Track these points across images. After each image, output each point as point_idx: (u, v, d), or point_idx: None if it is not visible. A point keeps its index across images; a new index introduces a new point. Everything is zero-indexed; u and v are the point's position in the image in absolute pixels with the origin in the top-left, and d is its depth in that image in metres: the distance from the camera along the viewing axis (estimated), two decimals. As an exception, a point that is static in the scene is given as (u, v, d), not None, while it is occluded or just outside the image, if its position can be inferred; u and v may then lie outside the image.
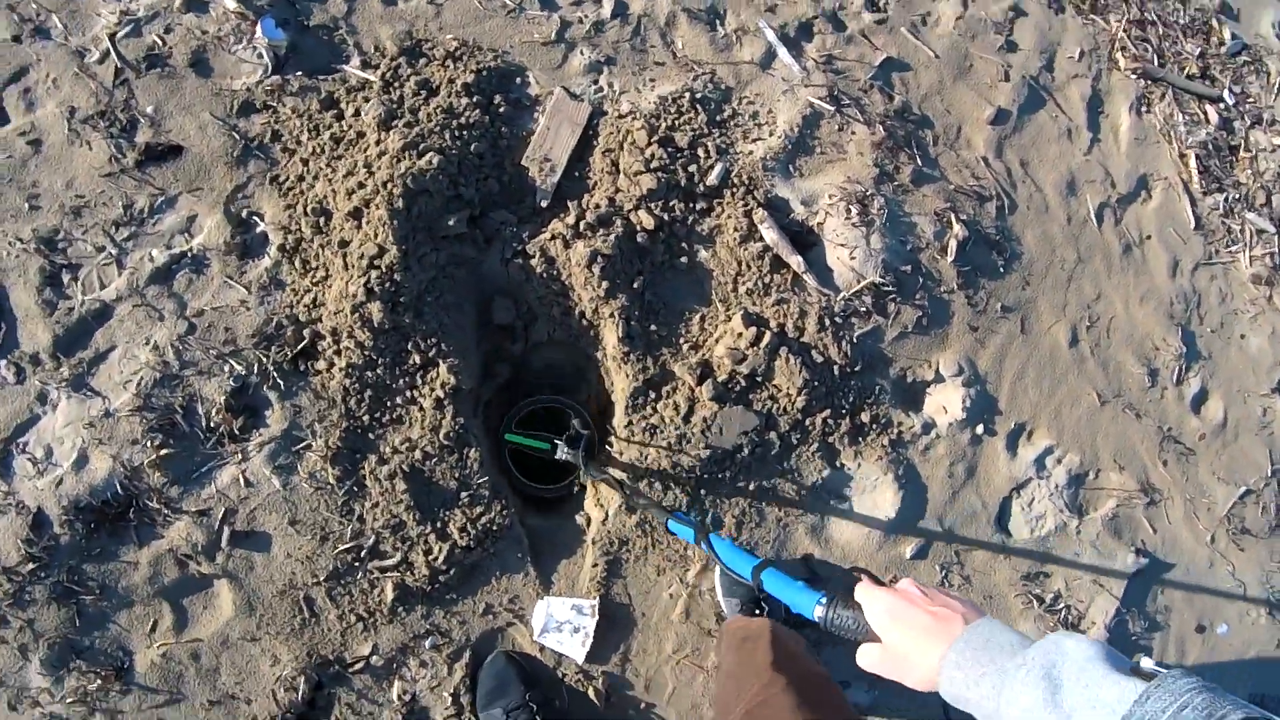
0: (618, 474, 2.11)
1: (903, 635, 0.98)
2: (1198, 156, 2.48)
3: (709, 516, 2.14)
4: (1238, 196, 2.51)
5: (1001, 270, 2.34)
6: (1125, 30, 2.49)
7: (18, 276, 1.96)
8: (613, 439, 2.21)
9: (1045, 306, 2.36)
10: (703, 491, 2.13)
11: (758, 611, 2.07)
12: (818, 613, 1.16)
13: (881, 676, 1.02)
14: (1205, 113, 2.51)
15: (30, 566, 1.88)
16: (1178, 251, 2.48)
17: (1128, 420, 2.36)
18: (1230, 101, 2.51)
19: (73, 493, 1.91)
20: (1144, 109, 2.53)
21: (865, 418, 2.22)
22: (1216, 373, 2.44)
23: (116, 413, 1.95)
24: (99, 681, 1.88)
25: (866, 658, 1.03)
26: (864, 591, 1.06)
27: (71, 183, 2.03)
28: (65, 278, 1.99)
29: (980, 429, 2.28)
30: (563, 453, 2.06)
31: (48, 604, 1.88)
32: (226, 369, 2.01)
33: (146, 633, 1.92)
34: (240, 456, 2.00)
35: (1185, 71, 2.52)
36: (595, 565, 2.14)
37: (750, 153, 2.26)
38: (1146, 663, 0.79)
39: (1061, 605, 2.26)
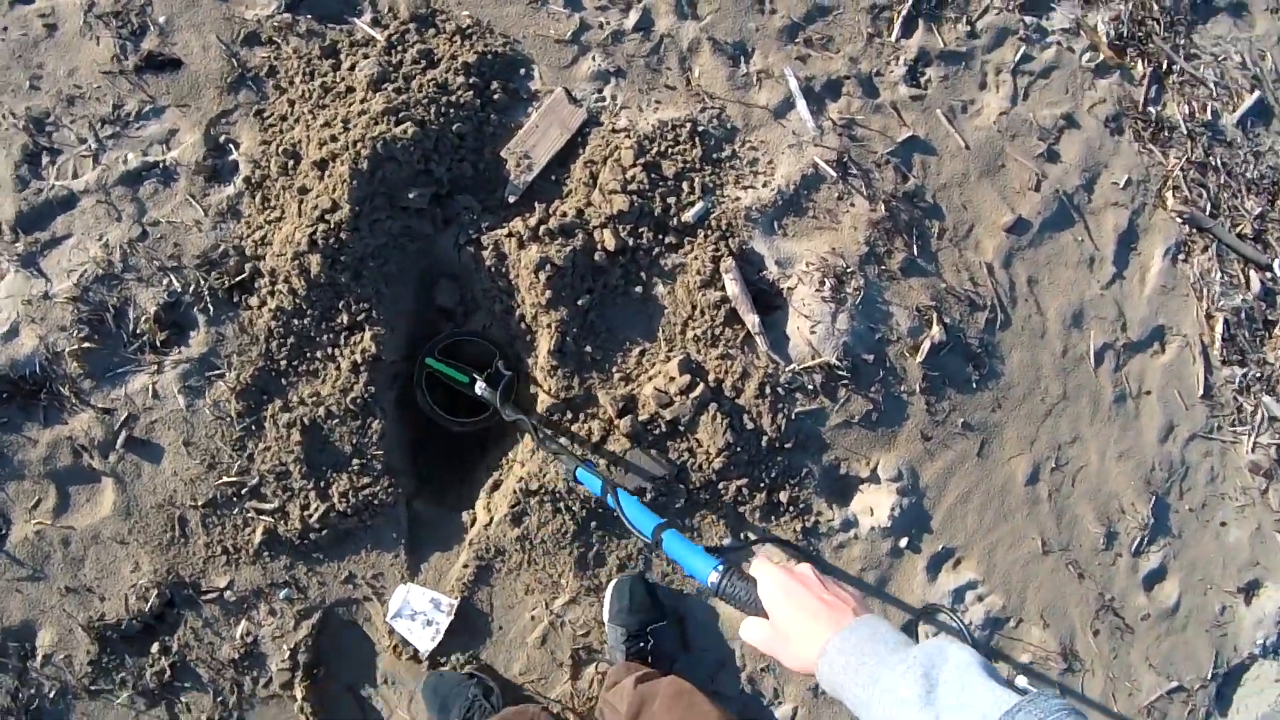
0: (531, 420, 2.36)
1: (791, 615, 1.09)
2: (1227, 322, 2.57)
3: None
4: (1259, 375, 2.59)
5: (974, 386, 2.49)
6: (1183, 169, 2.60)
7: (2, 148, 2.36)
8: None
9: (1012, 435, 2.49)
10: (592, 524, 2.35)
11: (643, 645, 2.27)
12: (712, 578, 1.31)
13: (761, 652, 1.20)
14: (1248, 277, 2.59)
15: (-63, 418, 2.27)
16: (1176, 416, 2.59)
17: (1068, 577, 2.47)
18: (1279, 273, 2.55)
19: None
20: (1181, 257, 2.65)
21: (784, 497, 2.42)
22: (1182, 554, 2.54)
23: (55, 297, 2.35)
24: (-29, 540, 2.26)
25: (751, 632, 1.16)
26: (761, 566, 1.19)
27: (73, 72, 2.47)
28: (44, 160, 2.43)
29: (904, 542, 2.45)
30: (481, 388, 2.39)
31: (-56, 456, 2.27)
32: (165, 282, 2.39)
33: (28, 508, 2.31)
34: (156, 368, 2.37)
35: (1238, 229, 2.59)
36: (466, 566, 2.45)
37: (737, 199, 2.48)
38: (1022, 681, 0.97)
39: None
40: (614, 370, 2.49)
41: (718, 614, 2.45)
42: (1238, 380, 2.68)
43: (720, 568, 1.31)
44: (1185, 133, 2.77)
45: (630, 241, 2.50)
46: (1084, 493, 2.59)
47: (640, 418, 2.42)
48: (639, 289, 2.51)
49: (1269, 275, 2.71)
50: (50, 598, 2.34)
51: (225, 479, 2.37)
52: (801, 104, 2.64)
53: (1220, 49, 2.93)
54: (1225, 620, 2.63)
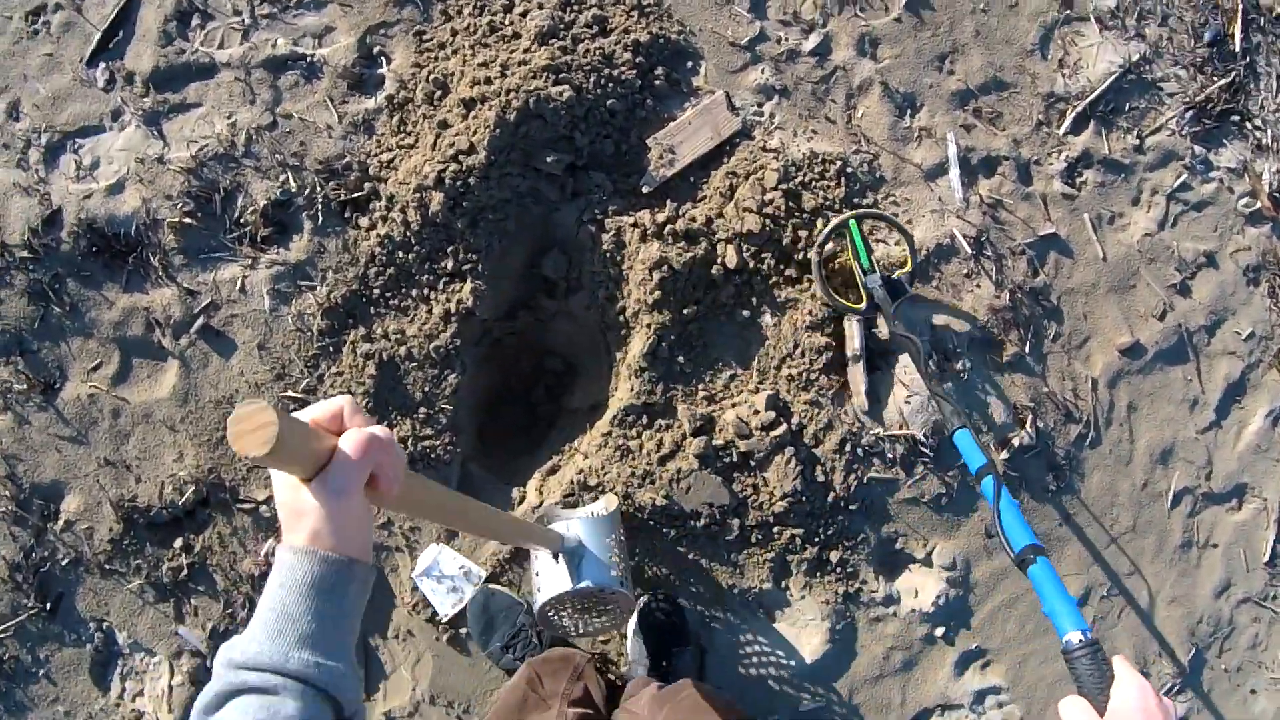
0: (918, 340, 2.28)
1: None
2: None
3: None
4: None
5: (1048, 495, 2.47)
6: (1309, 337, 2.58)
7: None
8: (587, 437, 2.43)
9: (1071, 554, 2.48)
10: (640, 535, 2.33)
11: (664, 664, 2.25)
12: (1071, 638, 1.30)
13: None
14: (1341, 459, 2.57)
15: (24, 254, 2.21)
16: (1235, 575, 2.57)
17: (1089, 710, 2.45)
18: (1371, 464, 2.57)
19: (95, 210, 2.26)
20: None
21: (834, 557, 2.38)
22: (1203, 711, 2.53)
23: (169, 163, 2.28)
24: (26, 386, 2.21)
25: (1075, 713, 1.15)
26: (1129, 671, 1.19)
27: None
28: (194, 21, 2.35)
29: (940, 631, 2.42)
30: (877, 285, 2.32)
31: (21, 295, 2.21)
32: (281, 179, 2.33)
33: (88, 369, 2.26)
34: (250, 263, 2.31)
35: (1347, 409, 2.59)
36: (504, 545, 2.36)
37: (857, 205, 2.43)
38: None
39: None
40: (699, 387, 2.42)
41: (736, 650, 2.40)
42: None
43: (1087, 635, 1.30)
44: None
45: (751, 263, 2.43)
46: (1126, 628, 2.54)
47: (715, 441, 2.35)
48: (746, 313, 2.44)
49: None
50: (87, 465, 2.27)
51: (290, 392, 2.31)
52: (955, 172, 2.56)
53: None
54: None
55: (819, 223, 2.46)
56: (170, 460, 2.30)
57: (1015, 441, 2.46)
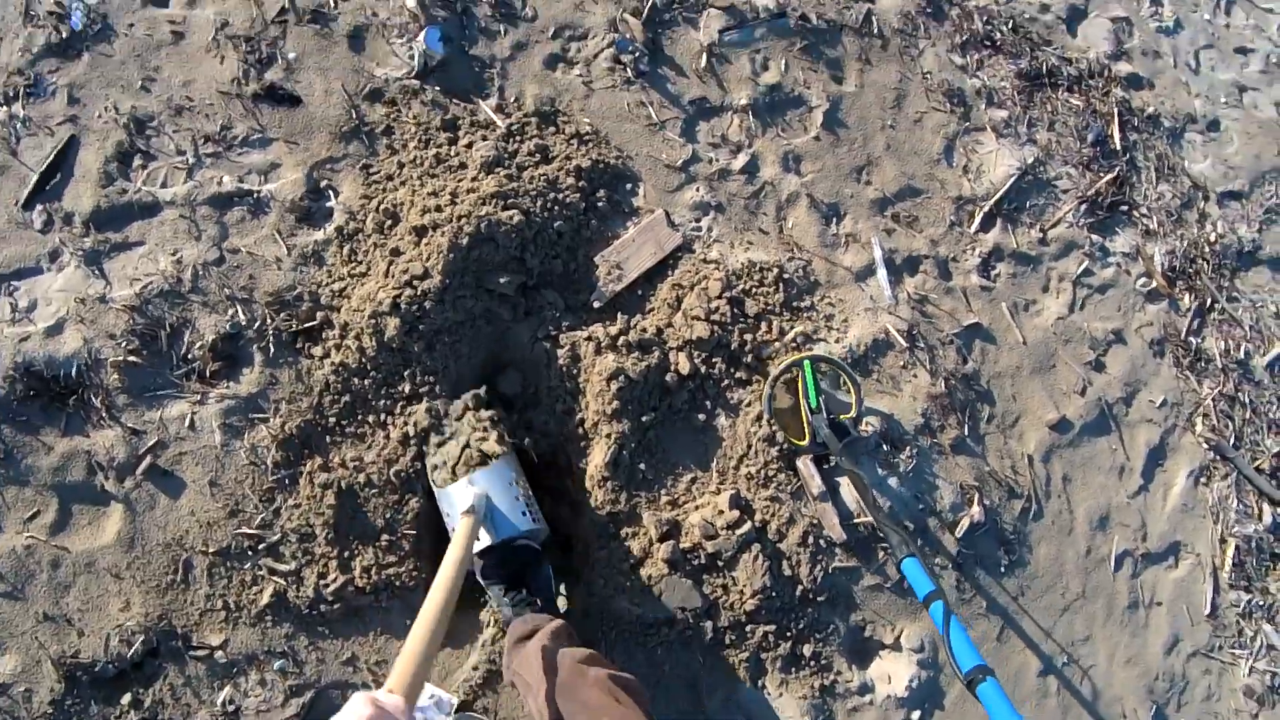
0: (863, 475, 2.36)
1: None
2: (1238, 548, 2.76)
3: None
4: (1261, 604, 2.76)
5: (1002, 570, 2.59)
6: (1214, 400, 2.85)
7: (97, 140, 2.30)
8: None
9: (1030, 625, 2.59)
10: (616, 645, 2.34)
11: (522, 592, 2.22)
12: None
13: None
14: (1261, 510, 2.81)
15: (-46, 401, 2.14)
16: (1181, 631, 2.70)
17: (1066, 781, 2.55)
18: (1290, 511, 2.83)
19: (32, 354, 2.17)
20: (1202, 480, 2.83)
21: (807, 650, 2.42)
22: None
23: (111, 302, 2.23)
24: (-46, 540, 2.09)
25: None
26: None
27: (189, 84, 2.39)
28: (136, 162, 2.33)
29: (916, 715, 2.46)
30: (822, 428, 2.38)
31: (-50, 441, 2.12)
32: (230, 312, 2.30)
33: (24, 518, 2.13)
34: (199, 398, 2.26)
35: (1257, 464, 2.85)
36: (476, 668, 2.29)
37: (811, 348, 2.59)
38: None
39: None
40: (663, 493, 2.43)
41: None
42: (1242, 605, 2.75)
43: None
44: (1219, 367, 2.93)
45: (703, 368, 2.49)
46: (1090, 692, 2.59)
47: (682, 545, 2.34)
48: (702, 416, 2.48)
49: None
50: (24, 621, 2.08)
51: (245, 529, 2.20)
52: (882, 273, 2.70)
53: (1259, 297, 3.13)
54: None
55: (764, 326, 2.64)
56: (116, 610, 2.17)
57: (965, 521, 2.60)
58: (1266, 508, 2.81)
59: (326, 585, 2.24)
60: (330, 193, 2.45)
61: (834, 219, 2.78)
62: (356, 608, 2.27)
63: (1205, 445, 2.87)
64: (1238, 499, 2.84)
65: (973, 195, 2.88)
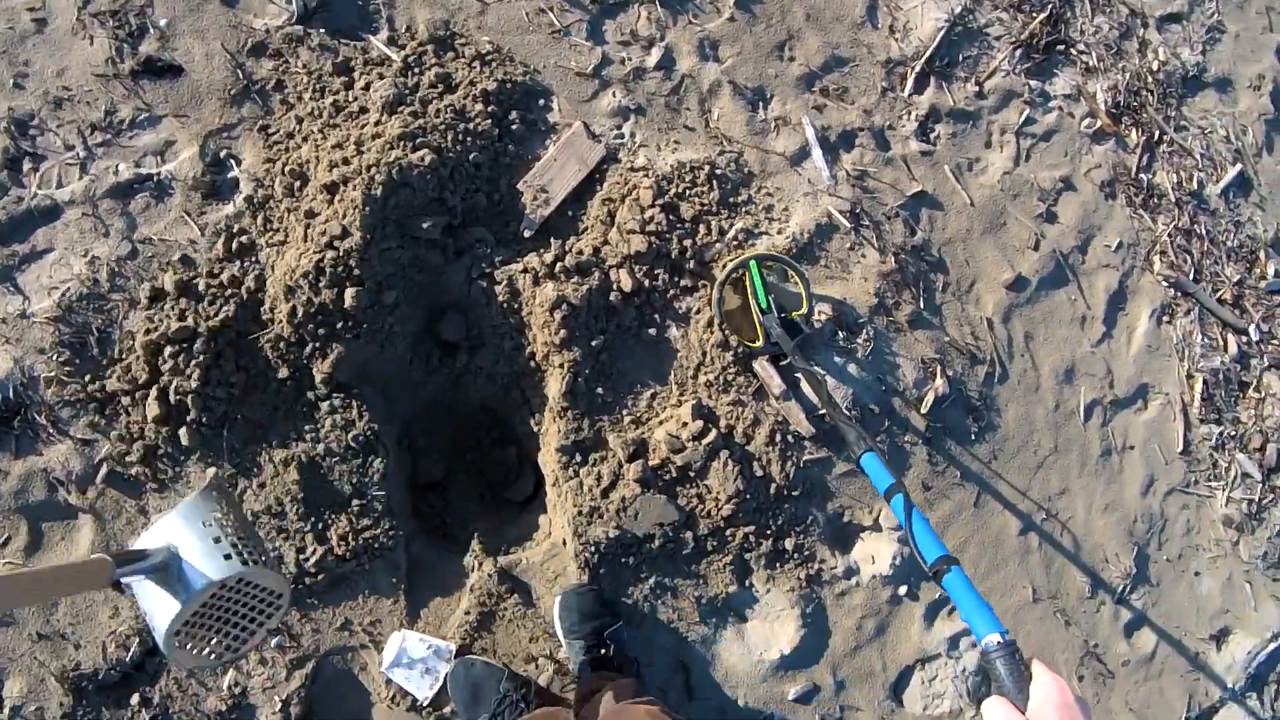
0: (820, 371, 2.37)
1: None
2: (1205, 382, 2.82)
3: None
4: (1233, 434, 2.84)
5: (973, 437, 2.66)
6: (1170, 236, 2.84)
7: None
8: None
9: (1006, 487, 2.68)
10: (600, 570, 2.44)
11: (603, 652, 2.27)
12: (990, 640, 1.32)
13: None
14: (1226, 341, 2.86)
15: (-103, 446, 2.17)
16: (1156, 471, 2.79)
17: (1055, 625, 2.67)
18: (1254, 337, 2.86)
19: None
20: (1165, 319, 2.86)
21: (789, 544, 2.51)
22: (1159, 603, 2.75)
23: (33, 316, 2.21)
24: (-71, 582, 2.16)
25: (997, 713, 1.19)
26: (1046, 673, 1.22)
27: (63, 73, 2.30)
28: (26, 166, 2.26)
29: (903, 590, 2.57)
30: (774, 328, 2.39)
31: (-100, 489, 2.16)
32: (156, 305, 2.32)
33: None
34: (139, 397, 2.31)
35: (1218, 295, 2.88)
36: (468, 612, 2.38)
37: (753, 245, 2.59)
38: None
39: (932, 795, 2.57)
40: (624, 413, 2.45)
41: (719, 664, 2.44)
42: (1214, 438, 2.83)
43: (1005, 637, 1.31)
44: (1173, 200, 2.91)
45: (646, 283, 2.48)
46: (1071, 543, 2.69)
47: (651, 462, 2.39)
48: (652, 331, 2.49)
49: (1245, 339, 2.85)
50: (19, 645, 2.15)
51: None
52: (817, 153, 2.65)
53: (1207, 122, 3.10)
54: (1198, 666, 2.76)
55: (701, 229, 2.63)
56: (106, 618, 2.24)
57: (930, 396, 2.64)
58: (1231, 338, 2.86)
59: (307, 559, 2.31)
60: (231, 162, 2.40)
61: (760, 103, 2.72)
62: (341, 575, 2.33)
63: (1165, 283, 2.89)
64: (1202, 333, 2.89)
65: (902, 56, 2.80)
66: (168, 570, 1.40)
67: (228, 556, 1.42)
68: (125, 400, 2.26)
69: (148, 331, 2.26)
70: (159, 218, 2.33)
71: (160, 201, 2.34)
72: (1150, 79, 2.96)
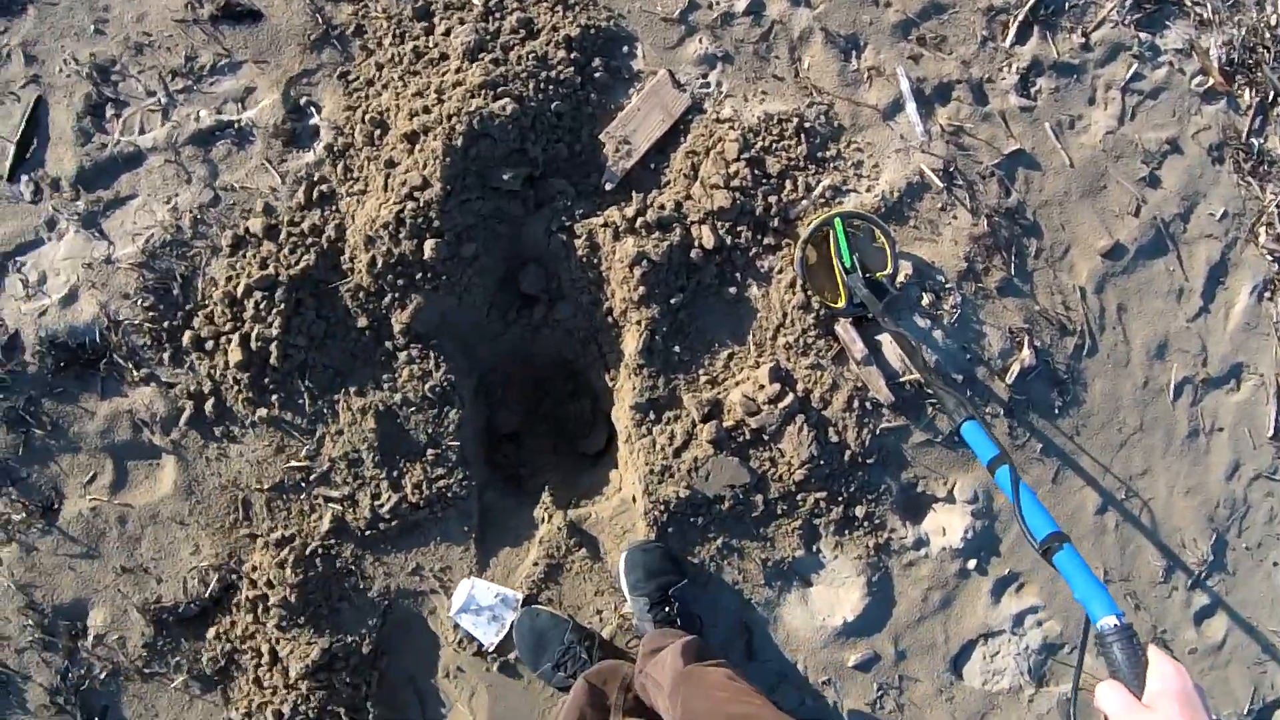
0: (911, 337, 2.35)
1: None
2: None
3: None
4: None
5: (1056, 412, 2.64)
6: (1277, 206, 2.76)
7: (63, 96, 2.26)
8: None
9: (1087, 464, 2.66)
10: (669, 529, 2.50)
11: (667, 610, 2.33)
12: (1106, 623, 1.30)
13: (1104, 712, 1.18)
14: (1328, 320, 2.79)
15: (-9, 385, 2.27)
16: (1243, 455, 2.73)
17: (1125, 608, 2.68)
18: (1355, 319, 2.79)
19: (53, 326, 2.26)
20: (1266, 295, 2.76)
21: (860, 512, 2.54)
22: (1233, 591, 2.73)
23: (118, 262, 2.28)
24: (24, 514, 2.26)
25: (1111, 699, 1.17)
26: (1164, 657, 1.20)
27: (143, 18, 2.30)
28: (109, 112, 2.29)
29: (972, 564, 2.60)
30: (859, 288, 2.38)
31: (-1, 425, 2.28)
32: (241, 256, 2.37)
33: (83, 483, 2.29)
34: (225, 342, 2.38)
35: (1325, 270, 2.80)
36: (536, 564, 2.44)
37: (840, 202, 2.56)
38: None
39: (987, 766, 2.64)
40: (700, 373, 2.46)
41: (781, 628, 2.48)
42: None
43: (1122, 620, 1.29)
44: None
45: (729, 239, 2.45)
46: (1149, 525, 2.66)
47: (725, 424, 2.40)
48: (732, 290, 2.47)
49: None
50: (104, 577, 2.27)
51: (294, 463, 2.32)
52: (911, 106, 2.57)
53: None
54: (1267, 657, 2.75)
55: (788, 185, 2.60)
56: (187, 554, 2.31)
57: (1015, 366, 2.62)
58: (1333, 317, 2.79)
59: (381, 505, 2.39)
60: (312, 109, 2.41)
61: (853, 52, 2.64)
62: (414, 522, 2.41)
63: (1269, 256, 2.80)
64: (1305, 312, 2.82)
65: (1005, 3, 2.68)
66: None
67: None
68: (208, 345, 2.33)
69: (230, 279, 2.32)
70: (240, 165, 2.36)
71: (241, 149, 2.37)
72: (1267, 34, 2.81)
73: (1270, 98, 2.81)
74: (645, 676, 2.16)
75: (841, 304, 2.45)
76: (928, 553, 2.57)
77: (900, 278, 2.50)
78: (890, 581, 2.55)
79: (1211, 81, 2.77)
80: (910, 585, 2.56)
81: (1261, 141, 2.80)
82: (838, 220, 2.42)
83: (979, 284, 2.58)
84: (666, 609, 2.35)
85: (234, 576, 2.34)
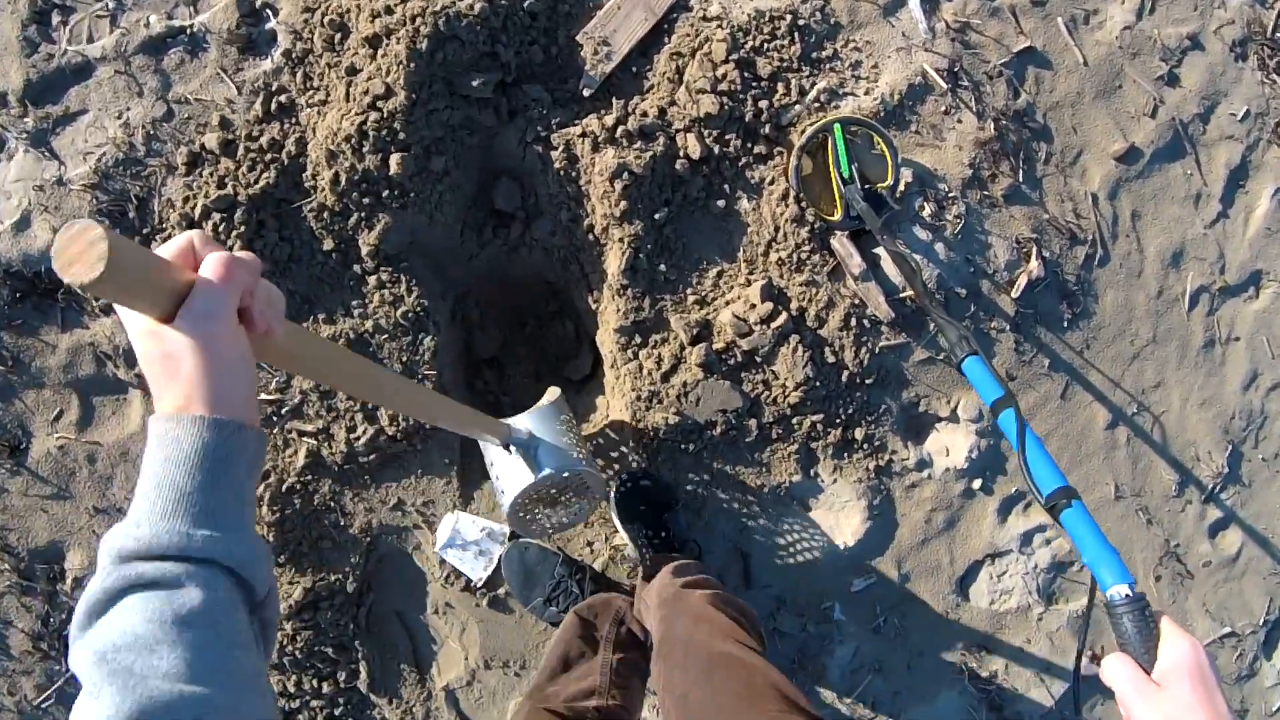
0: (915, 256, 2.36)
1: (1186, 700, 1.10)
2: None
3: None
4: None
5: (1065, 325, 2.61)
6: (1306, 102, 2.69)
7: (7, 3, 2.21)
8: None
9: (1097, 379, 2.65)
10: (659, 457, 2.50)
11: (664, 535, 2.34)
12: (1117, 591, 1.26)
13: (1114, 688, 1.16)
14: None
15: (-58, 317, 2.24)
16: (1261, 365, 2.69)
17: (1137, 523, 2.70)
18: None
19: (6, 254, 2.21)
20: None
21: (859, 434, 2.52)
22: (1249, 503, 2.71)
23: (70, 183, 2.21)
24: (-10, 454, 2.27)
25: (1119, 671, 1.15)
26: (1178, 630, 1.17)
27: None
28: (55, 19, 2.20)
29: (978, 484, 2.59)
30: (857, 200, 2.34)
31: (-48, 362, 2.24)
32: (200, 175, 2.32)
33: (49, 420, 2.27)
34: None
35: (1352, 170, 2.74)
36: None
37: (836, 107, 2.49)
38: None
39: (993, 687, 2.69)
40: (688, 292, 2.41)
41: (780, 554, 2.49)
42: None
43: (1132, 589, 1.25)
44: None
45: (716, 149, 2.36)
46: (1161, 440, 2.64)
47: (715, 346, 2.36)
48: (721, 203, 2.39)
49: None
50: (78, 518, 2.25)
51: (263, 395, 2.27)
52: (914, 1, 2.54)
53: None
54: None
55: (780, 89, 2.53)
56: None
57: (1023, 279, 2.57)
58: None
59: (357, 439, 2.37)
60: (268, 12, 2.30)
61: (852, -61, 2.56)
62: (392, 455, 2.39)
63: (1294, 156, 2.76)
64: (1329, 212, 2.77)
65: (1018, -116, 2.61)
66: (528, 450, 1.96)
67: (573, 453, 1.99)
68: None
69: (187, 199, 2.27)
70: (194, 75, 2.28)
71: (194, 57, 2.29)
72: (1303, -85, 2.72)
73: (1300, -14, 2.73)
74: (641, 602, 2.18)
75: (838, 217, 2.39)
76: (930, 474, 2.56)
77: (901, 189, 2.45)
78: (892, 504, 2.55)
79: (1237, -32, 2.68)
80: (913, 507, 2.57)
81: (1288, 35, 2.72)
82: (836, 127, 2.33)
83: (984, 192, 2.52)
84: (663, 534, 2.35)
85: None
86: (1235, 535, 2.72)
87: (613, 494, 2.38)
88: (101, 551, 0.82)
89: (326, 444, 2.36)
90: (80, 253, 0.73)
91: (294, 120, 2.29)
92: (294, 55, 2.30)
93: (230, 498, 0.86)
